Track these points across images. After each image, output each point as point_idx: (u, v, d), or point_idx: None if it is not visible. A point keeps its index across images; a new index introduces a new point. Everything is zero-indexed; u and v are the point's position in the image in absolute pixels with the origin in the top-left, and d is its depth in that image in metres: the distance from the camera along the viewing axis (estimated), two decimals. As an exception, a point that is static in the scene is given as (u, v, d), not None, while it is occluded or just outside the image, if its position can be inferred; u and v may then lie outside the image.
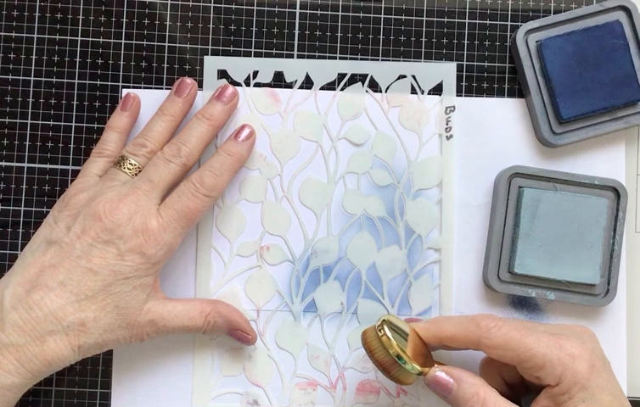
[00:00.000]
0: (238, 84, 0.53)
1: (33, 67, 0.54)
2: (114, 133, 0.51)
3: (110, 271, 0.45)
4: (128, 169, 0.49)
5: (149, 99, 0.53)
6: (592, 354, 0.44)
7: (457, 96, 0.54)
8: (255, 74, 0.54)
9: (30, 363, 0.44)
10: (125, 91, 0.53)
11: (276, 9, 0.54)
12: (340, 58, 0.54)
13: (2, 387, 0.44)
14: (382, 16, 0.54)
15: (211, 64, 0.54)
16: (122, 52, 0.54)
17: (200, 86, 0.53)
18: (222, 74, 0.54)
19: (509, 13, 0.54)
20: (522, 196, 0.51)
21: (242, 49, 0.54)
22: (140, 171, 0.49)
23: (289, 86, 0.54)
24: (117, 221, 0.46)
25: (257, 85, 0.54)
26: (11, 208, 0.53)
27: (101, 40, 0.54)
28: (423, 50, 0.54)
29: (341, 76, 0.54)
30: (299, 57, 0.54)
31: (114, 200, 0.46)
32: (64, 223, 0.47)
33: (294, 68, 0.54)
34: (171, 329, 0.48)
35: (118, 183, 0.48)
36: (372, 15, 0.54)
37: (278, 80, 0.54)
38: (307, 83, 0.54)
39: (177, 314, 0.48)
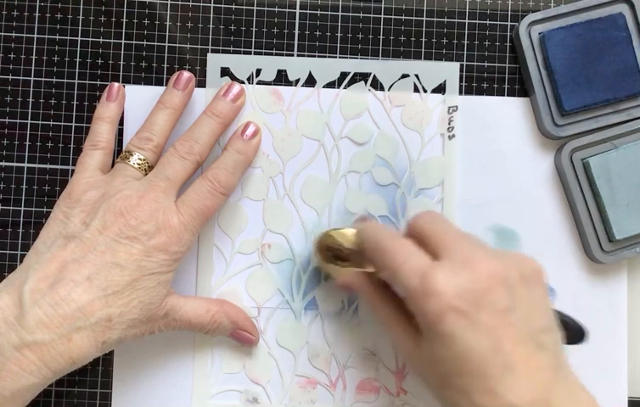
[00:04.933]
0: (241, 82, 0.53)
1: (33, 67, 0.54)
2: (104, 124, 0.51)
3: (137, 267, 0.45)
4: (138, 164, 0.49)
5: (149, 95, 0.53)
6: (468, 292, 0.38)
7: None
8: (258, 72, 0.54)
9: (54, 362, 0.42)
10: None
11: (276, 9, 0.54)
12: (341, 58, 0.54)
13: (21, 389, 0.42)
14: (382, 16, 0.54)
15: (214, 61, 0.54)
16: (122, 52, 0.54)
17: (202, 84, 0.53)
18: (225, 71, 0.54)
19: (509, 12, 0.55)
20: (590, 167, 0.52)
21: (242, 49, 0.54)
22: (149, 166, 0.49)
23: (292, 84, 0.54)
24: (140, 218, 0.45)
25: (260, 83, 0.54)
26: (11, 208, 0.53)
27: (101, 40, 0.54)
28: (423, 50, 0.54)
29: (344, 75, 0.54)
30: (299, 57, 0.54)
31: (133, 197, 0.46)
32: (79, 218, 0.46)
33: (296, 66, 0.54)
34: (179, 324, 0.49)
35: (130, 179, 0.48)
36: (372, 15, 0.54)
37: (281, 79, 0.54)
38: (310, 82, 0.54)
39: (187, 310, 0.49)
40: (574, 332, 0.47)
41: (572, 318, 0.46)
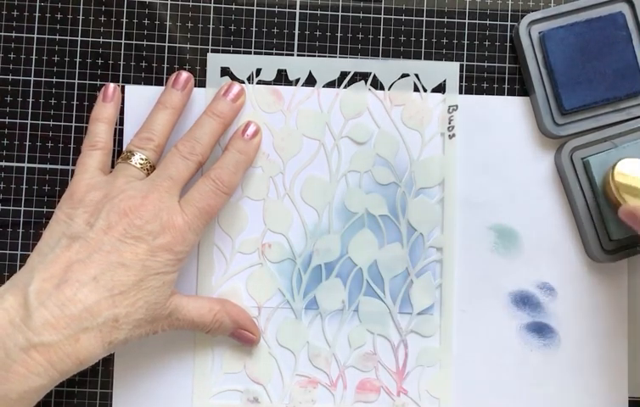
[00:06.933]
0: (241, 81, 0.53)
1: (33, 67, 0.54)
2: (102, 124, 0.51)
3: (142, 266, 0.45)
4: (140, 164, 0.49)
5: (149, 95, 0.53)
6: None
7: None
8: (258, 72, 0.54)
9: (61, 363, 0.42)
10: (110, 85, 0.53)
11: (276, 9, 0.54)
12: (341, 58, 0.54)
13: (28, 390, 0.42)
14: (382, 16, 0.54)
15: (214, 61, 0.54)
16: (122, 52, 0.54)
17: (202, 84, 0.53)
18: (225, 71, 0.54)
19: (509, 12, 0.55)
20: (590, 166, 0.52)
21: (242, 49, 0.54)
22: (150, 166, 0.49)
23: (292, 84, 0.54)
24: (144, 218, 0.45)
25: (260, 82, 0.54)
26: (11, 208, 0.53)
27: (101, 40, 0.54)
28: (423, 50, 0.54)
29: (344, 75, 0.54)
30: (299, 57, 0.54)
31: (137, 197, 0.46)
32: (82, 219, 0.46)
33: (296, 66, 0.54)
34: (182, 324, 0.49)
35: (132, 179, 0.48)
36: (372, 15, 0.55)
37: (281, 79, 0.54)
38: (310, 81, 0.54)
39: (190, 310, 0.49)
40: None
41: None
